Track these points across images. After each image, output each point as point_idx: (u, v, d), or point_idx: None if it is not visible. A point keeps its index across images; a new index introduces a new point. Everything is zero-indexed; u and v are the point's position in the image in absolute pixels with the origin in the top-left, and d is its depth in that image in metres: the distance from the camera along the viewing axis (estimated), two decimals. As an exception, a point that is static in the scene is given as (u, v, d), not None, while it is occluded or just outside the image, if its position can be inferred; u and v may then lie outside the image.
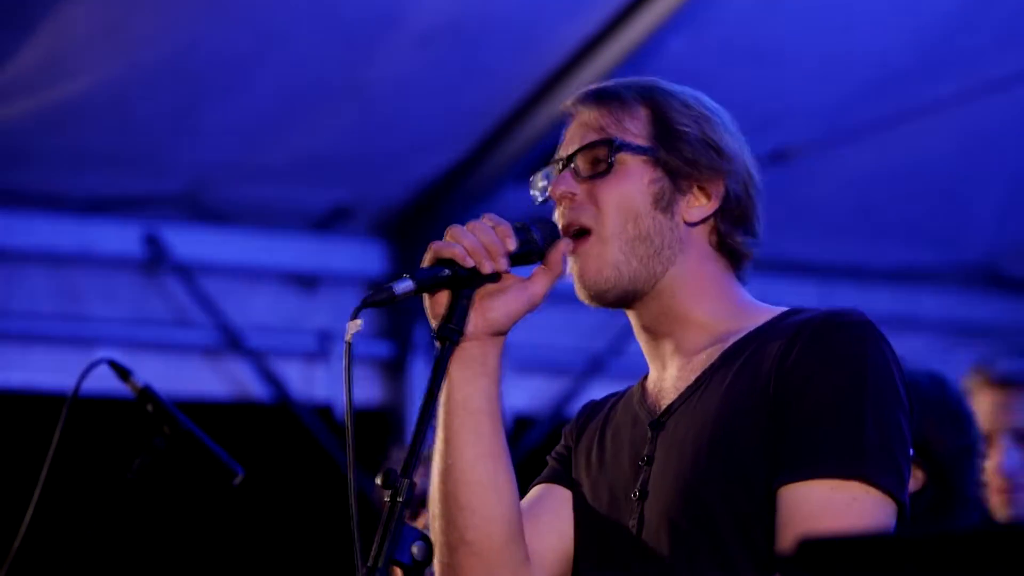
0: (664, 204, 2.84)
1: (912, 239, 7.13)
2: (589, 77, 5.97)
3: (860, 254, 7.13)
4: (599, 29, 5.96)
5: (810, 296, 6.93)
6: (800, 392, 2.67)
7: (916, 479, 3.65)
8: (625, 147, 2.84)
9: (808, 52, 6.17)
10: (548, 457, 3.03)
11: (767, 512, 2.67)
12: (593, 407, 3.05)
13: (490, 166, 6.38)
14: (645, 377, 2.96)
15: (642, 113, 2.87)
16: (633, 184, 2.84)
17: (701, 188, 2.85)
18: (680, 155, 2.84)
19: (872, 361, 2.68)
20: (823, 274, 7.06)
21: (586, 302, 2.87)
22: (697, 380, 2.81)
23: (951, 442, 3.70)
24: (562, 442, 3.03)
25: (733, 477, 2.69)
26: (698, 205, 2.85)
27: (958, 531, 1.85)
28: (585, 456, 2.95)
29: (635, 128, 2.86)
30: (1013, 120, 6.60)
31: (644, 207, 2.83)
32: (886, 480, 2.63)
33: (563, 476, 2.96)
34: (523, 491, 2.92)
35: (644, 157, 2.85)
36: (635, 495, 2.80)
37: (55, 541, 4.36)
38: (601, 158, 2.85)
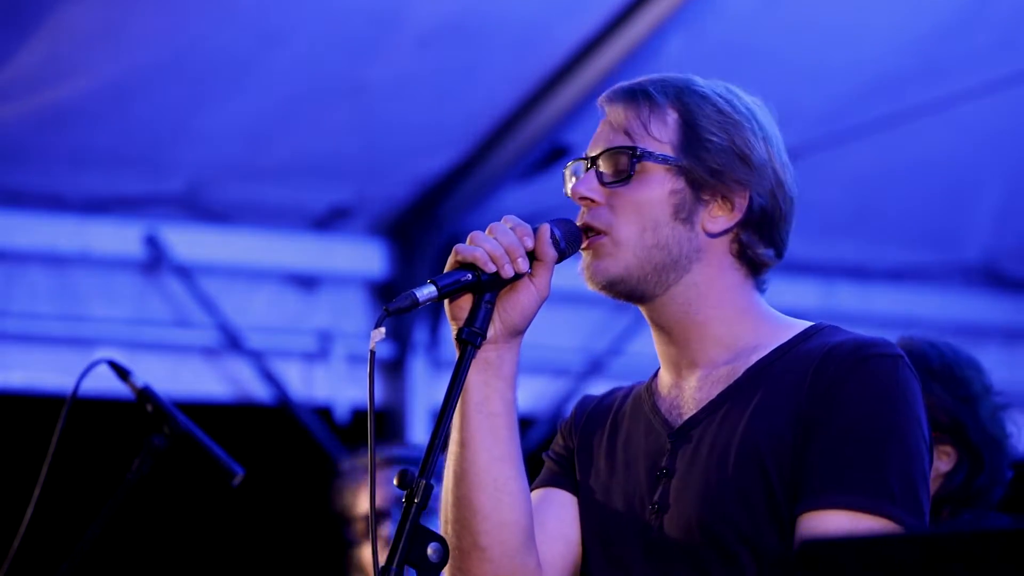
0: (684, 215, 2.81)
1: (912, 239, 7.12)
2: (589, 77, 5.97)
3: (860, 254, 7.13)
4: (599, 29, 5.96)
5: (810, 296, 6.93)
6: (829, 422, 2.65)
7: (949, 457, 3.68)
8: (647, 156, 2.81)
9: (808, 52, 6.17)
10: (545, 456, 3.00)
11: (785, 538, 2.65)
12: (593, 406, 3.01)
13: (490, 166, 6.37)
14: (653, 380, 2.93)
15: (671, 118, 2.84)
16: (653, 193, 2.81)
17: (725, 198, 2.82)
18: (705, 165, 2.81)
19: (902, 396, 2.67)
20: (823, 274, 7.06)
21: (593, 290, 2.85)
22: (721, 396, 2.78)
23: (984, 420, 3.72)
24: (560, 442, 2.99)
25: (755, 501, 2.67)
26: (720, 216, 2.82)
27: (959, 531, 1.85)
28: (591, 459, 2.92)
29: (662, 134, 2.83)
30: (1013, 120, 6.59)
31: (663, 217, 2.81)
32: (907, 517, 2.62)
33: (564, 479, 2.94)
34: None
35: (667, 166, 2.81)
36: (653, 507, 2.78)
37: (55, 541, 4.35)
38: (623, 165, 2.82)
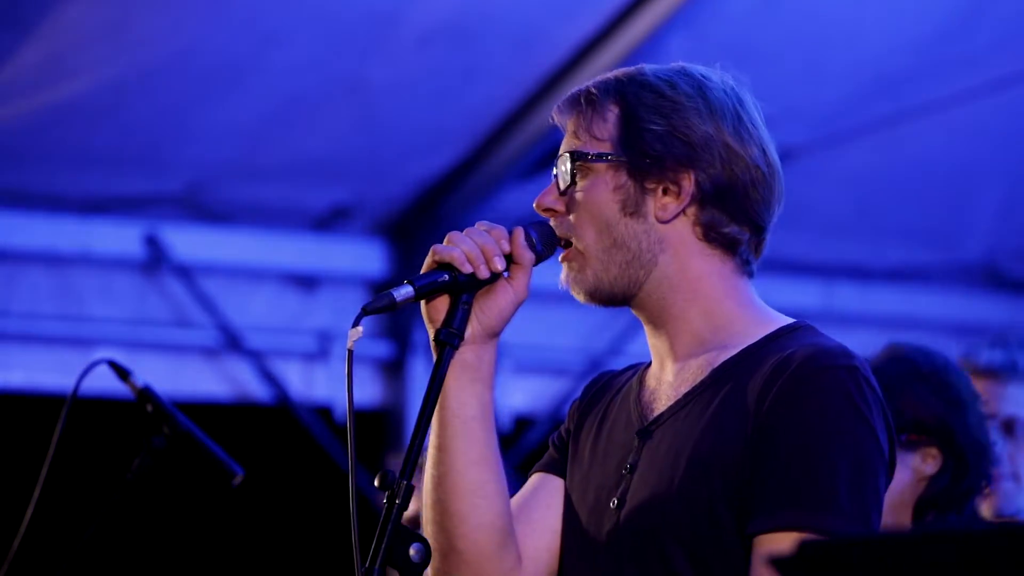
0: (633, 208, 2.79)
1: (912, 239, 7.13)
2: (589, 77, 5.92)
3: (861, 254, 7.13)
4: (599, 29, 5.96)
5: (810, 296, 6.93)
6: (775, 438, 2.63)
7: (935, 460, 3.68)
8: (586, 157, 2.82)
9: (808, 52, 6.17)
10: (550, 440, 3.00)
11: (723, 547, 2.65)
12: (603, 384, 2.99)
13: (490, 166, 6.37)
14: (647, 368, 2.93)
15: (612, 114, 2.85)
16: (599, 193, 2.81)
17: (672, 183, 2.79)
18: (644, 155, 2.79)
19: (854, 408, 2.64)
20: (824, 274, 7.06)
21: (582, 302, 2.86)
22: (686, 395, 2.77)
23: (972, 425, 3.72)
24: (564, 423, 2.99)
25: (699, 508, 2.67)
26: (669, 202, 2.79)
27: (954, 531, 1.85)
28: (582, 442, 2.92)
29: (602, 132, 2.84)
30: (1013, 120, 6.59)
31: (613, 215, 2.80)
32: (856, 532, 2.59)
33: (559, 464, 2.94)
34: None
35: (606, 164, 2.81)
36: (614, 503, 2.78)
37: (55, 541, 4.36)
38: (567, 171, 2.84)
